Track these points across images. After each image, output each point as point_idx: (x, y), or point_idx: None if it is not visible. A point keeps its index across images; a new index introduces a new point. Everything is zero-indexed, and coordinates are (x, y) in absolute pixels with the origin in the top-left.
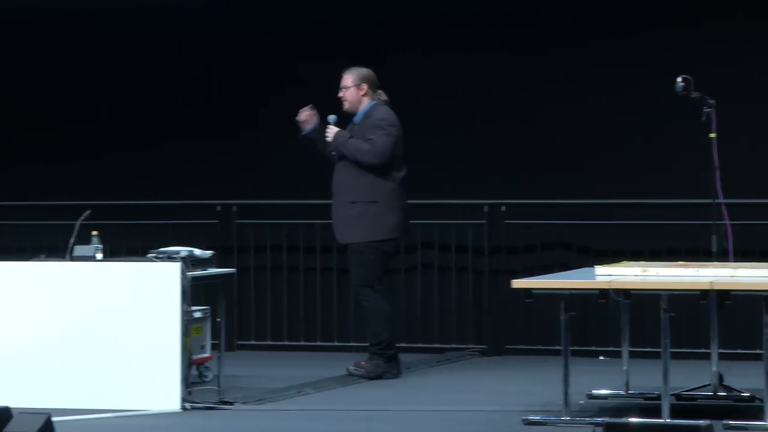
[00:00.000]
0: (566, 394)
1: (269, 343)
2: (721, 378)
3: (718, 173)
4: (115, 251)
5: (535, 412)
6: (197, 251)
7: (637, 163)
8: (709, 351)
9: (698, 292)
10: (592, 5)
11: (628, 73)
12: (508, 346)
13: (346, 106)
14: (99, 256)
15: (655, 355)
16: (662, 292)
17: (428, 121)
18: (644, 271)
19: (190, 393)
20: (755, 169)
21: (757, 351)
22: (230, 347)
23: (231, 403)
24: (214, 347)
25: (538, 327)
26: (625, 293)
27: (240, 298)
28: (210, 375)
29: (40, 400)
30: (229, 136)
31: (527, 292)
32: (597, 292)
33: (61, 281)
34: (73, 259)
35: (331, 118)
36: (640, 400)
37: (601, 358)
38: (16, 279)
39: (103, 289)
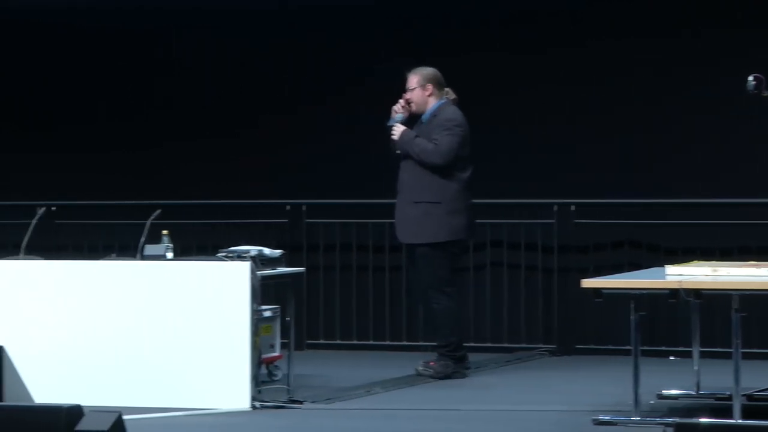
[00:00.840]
0: (636, 394)
1: (338, 342)
2: None
3: None
4: (185, 250)
5: (604, 412)
6: (267, 250)
7: (708, 162)
8: None
9: None
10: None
11: (699, 72)
12: (577, 346)
13: (413, 107)
14: (169, 255)
15: (726, 355)
16: (733, 292)
17: (498, 120)
18: (715, 270)
19: (259, 392)
20: None
21: None
22: (299, 346)
23: (300, 402)
24: (283, 346)
25: (608, 327)
26: (696, 293)
27: (309, 297)
28: (279, 374)
29: (111, 398)
30: (300, 136)
31: (597, 291)
32: (667, 292)
33: (132, 280)
34: (143, 258)
35: (399, 117)
36: (711, 401)
37: (672, 358)
38: (88, 278)
39: (174, 288)
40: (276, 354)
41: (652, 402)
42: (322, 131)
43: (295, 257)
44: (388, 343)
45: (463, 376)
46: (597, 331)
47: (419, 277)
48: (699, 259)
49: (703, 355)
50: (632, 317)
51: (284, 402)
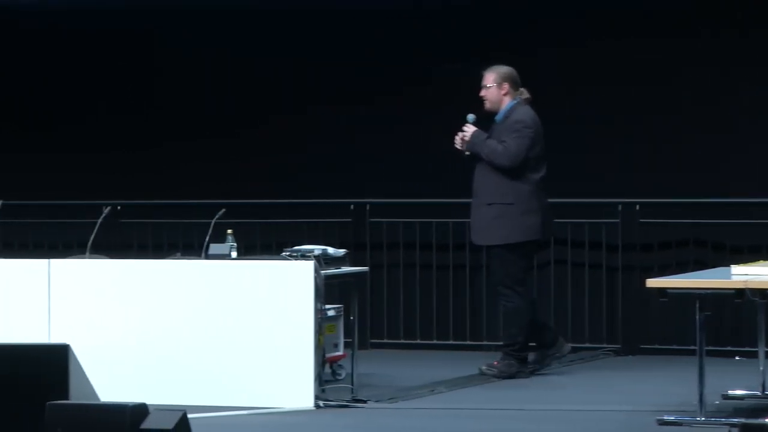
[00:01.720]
0: (701, 394)
1: (402, 341)
2: None
3: None
4: (248, 249)
5: (669, 413)
6: (331, 250)
7: None
8: None
9: None
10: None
11: (762, 72)
12: (642, 346)
13: (488, 105)
14: (234, 254)
15: None
16: None
17: (564, 120)
18: None
19: (323, 391)
20: None
21: None
22: (363, 345)
23: (364, 402)
24: (347, 345)
25: (673, 326)
26: (762, 293)
27: (373, 296)
28: (343, 373)
29: (176, 397)
30: (363, 135)
31: (662, 291)
32: (733, 292)
33: (197, 279)
34: (208, 257)
35: (470, 117)
36: None
37: (737, 358)
38: (152, 277)
39: (238, 287)
40: (339, 353)
41: (717, 402)
42: (385, 131)
43: (358, 256)
44: (451, 342)
45: (527, 376)
46: (661, 330)
47: (492, 276)
48: (765, 259)
49: None
50: (697, 317)
51: (348, 401)
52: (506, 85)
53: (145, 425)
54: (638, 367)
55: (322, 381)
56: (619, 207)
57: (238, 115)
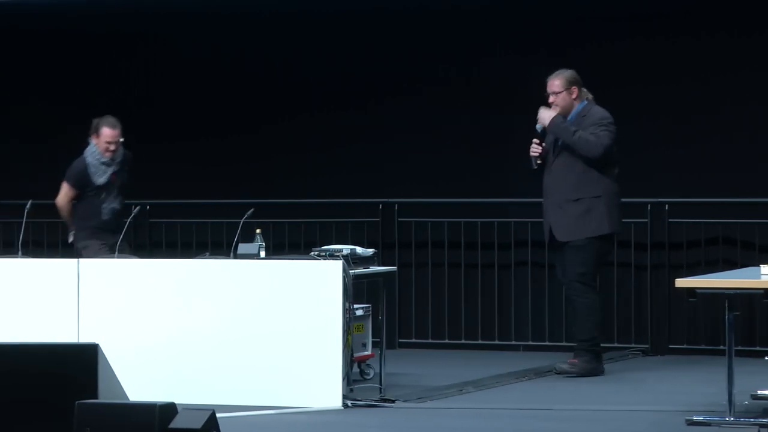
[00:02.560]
0: (730, 394)
1: (430, 341)
2: None
3: None
4: (277, 248)
5: (698, 413)
6: (359, 249)
7: None
8: None
9: None
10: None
11: None
12: (671, 346)
13: (558, 110)
14: (262, 254)
15: None
16: None
17: None
18: None
19: (351, 390)
20: None
21: None
22: (391, 345)
23: (392, 401)
24: (375, 345)
25: (702, 326)
26: None
27: (401, 295)
28: (371, 373)
29: (204, 396)
30: (394, 136)
31: (691, 291)
32: (762, 291)
33: (226, 279)
34: (237, 256)
35: (539, 126)
36: None
37: (767, 358)
38: (181, 276)
39: (267, 286)
40: (368, 353)
41: (746, 402)
42: (413, 130)
43: (387, 256)
44: (480, 342)
45: (603, 372)
46: (690, 330)
47: (567, 272)
48: None
49: None
50: (727, 317)
51: (376, 401)
52: (575, 89)
53: (173, 425)
54: (667, 367)
55: (350, 380)
56: (648, 207)
57: (268, 114)
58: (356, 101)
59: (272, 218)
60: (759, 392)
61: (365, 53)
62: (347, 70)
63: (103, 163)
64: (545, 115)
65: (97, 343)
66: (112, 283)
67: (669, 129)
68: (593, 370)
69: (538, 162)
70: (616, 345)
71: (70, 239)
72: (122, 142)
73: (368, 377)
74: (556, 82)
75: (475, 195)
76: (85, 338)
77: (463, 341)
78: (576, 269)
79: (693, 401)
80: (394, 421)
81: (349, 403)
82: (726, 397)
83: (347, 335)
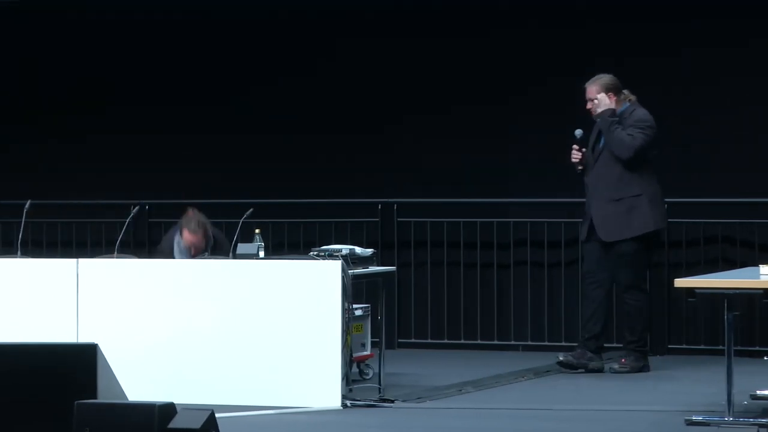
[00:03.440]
0: (729, 394)
1: (429, 341)
2: None
3: None
4: (276, 248)
5: (697, 413)
6: (358, 249)
7: None
8: None
9: None
10: None
11: None
12: (670, 346)
13: (596, 117)
14: (261, 253)
15: None
16: None
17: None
18: None
19: (350, 390)
20: None
21: None
22: (391, 345)
23: (391, 401)
24: (374, 345)
25: (701, 326)
26: None
27: (400, 295)
28: (371, 373)
29: (203, 396)
30: (394, 136)
31: (690, 291)
32: (761, 291)
33: (225, 279)
34: (236, 256)
35: (578, 132)
36: None
37: (766, 358)
38: (180, 276)
39: (266, 286)
40: (367, 353)
41: (745, 402)
42: (412, 130)
43: (386, 256)
44: (479, 342)
45: (650, 368)
46: (690, 330)
47: (615, 276)
48: None
49: None
50: (726, 317)
51: (375, 401)
52: (611, 94)
53: (172, 425)
54: (666, 367)
55: (349, 381)
56: None
57: (267, 114)
58: (356, 101)
59: (271, 218)
60: (758, 392)
61: (364, 53)
62: (347, 70)
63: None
64: (605, 102)
65: (96, 343)
66: (111, 283)
67: (669, 129)
68: (643, 367)
69: (579, 168)
70: (615, 345)
71: None
72: (210, 232)
73: (367, 377)
74: (592, 88)
75: (475, 195)
76: (84, 338)
77: (462, 341)
78: (627, 275)
79: (692, 401)
80: (393, 421)
81: (348, 403)
82: (725, 397)
83: (346, 335)
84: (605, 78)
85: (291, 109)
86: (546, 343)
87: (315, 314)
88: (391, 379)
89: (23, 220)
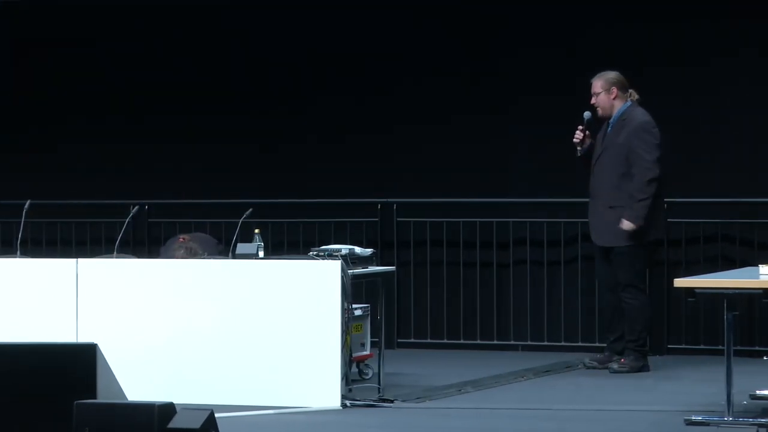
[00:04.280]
0: (729, 394)
1: (429, 341)
2: None
3: None
4: (276, 248)
5: (697, 412)
6: (358, 249)
7: None
8: None
9: None
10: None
11: None
12: (670, 346)
13: (600, 112)
14: (261, 253)
15: None
16: None
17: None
18: None
19: (350, 390)
20: None
21: None
22: (390, 345)
23: (391, 401)
24: (374, 345)
25: (701, 326)
26: None
27: (400, 295)
28: (370, 372)
29: (203, 396)
30: (393, 136)
31: (690, 291)
32: (761, 291)
33: (224, 279)
34: (235, 256)
35: (587, 114)
36: None
37: (765, 358)
38: (180, 276)
39: (265, 286)
40: (367, 353)
41: (745, 402)
42: (412, 130)
43: (385, 255)
44: (479, 342)
45: (649, 369)
46: (689, 330)
47: (616, 276)
48: None
49: None
50: (725, 317)
51: (375, 401)
52: (615, 90)
53: (172, 424)
54: (666, 367)
55: (349, 380)
56: None
57: (266, 114)
58: (355, 101)
59: (271, 218)
60: (758, 392)
61: (363, 51)
62: (346, 70)
63: None
64: (626, 226)
65: (95, 342)
66: (111, 282)
67: (669, 129)
68: (642, 367)
69: (579, 149)
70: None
71: None
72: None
73: (367, 377)
74: (598, 83)
75: (474, 194)
76: (83, 338)
77: (461, 341)
78: (624, 274)
79: (692, 401)
80: (392, 421)
81: (347, 403)
82: (725, 397)
83: (346, 335)
84: (611, 74)
85: (291, 110)
86: (545, 343)
87: (314, 314)
88: (390, 379)
89: (23, 220)
